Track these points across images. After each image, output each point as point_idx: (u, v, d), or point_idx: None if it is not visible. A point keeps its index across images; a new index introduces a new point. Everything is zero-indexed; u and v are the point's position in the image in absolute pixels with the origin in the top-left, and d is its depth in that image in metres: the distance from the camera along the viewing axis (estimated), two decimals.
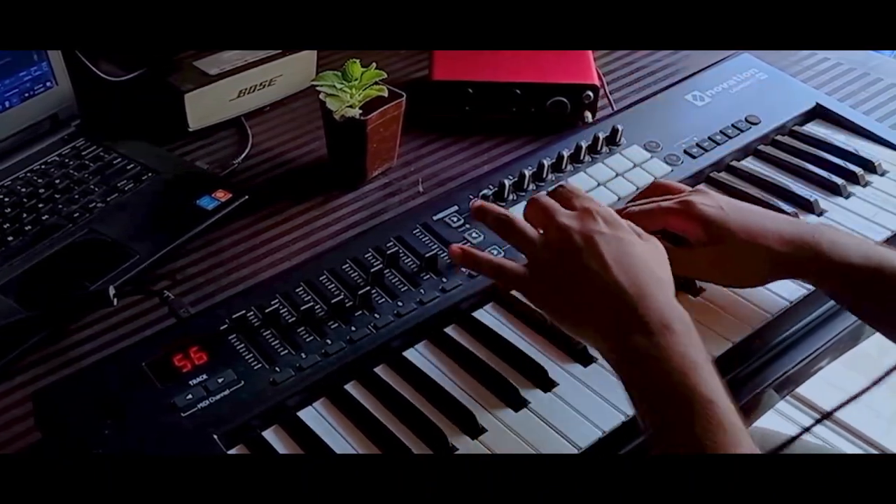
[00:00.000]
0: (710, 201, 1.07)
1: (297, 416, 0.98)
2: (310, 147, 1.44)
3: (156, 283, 1.20)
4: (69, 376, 1.02)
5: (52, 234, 1.23)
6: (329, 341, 1.02)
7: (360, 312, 1.05)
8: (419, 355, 1.04)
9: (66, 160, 1.35)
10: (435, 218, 1.18)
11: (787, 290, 1.10)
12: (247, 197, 1.30)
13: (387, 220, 1.27)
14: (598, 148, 1.29)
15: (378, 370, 1.02)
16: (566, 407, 0.98)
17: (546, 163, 1.24)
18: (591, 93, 1.42)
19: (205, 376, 0.98)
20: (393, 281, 1.09)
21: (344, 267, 1.11)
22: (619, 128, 1.30)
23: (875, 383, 0.95)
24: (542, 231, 1.00)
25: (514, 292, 1.07)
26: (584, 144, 1.27)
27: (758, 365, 1.07)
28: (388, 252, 1.11)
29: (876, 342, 1.11)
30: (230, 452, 0.95)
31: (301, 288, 1.08)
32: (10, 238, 1.22)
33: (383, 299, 1.07)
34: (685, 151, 1.29)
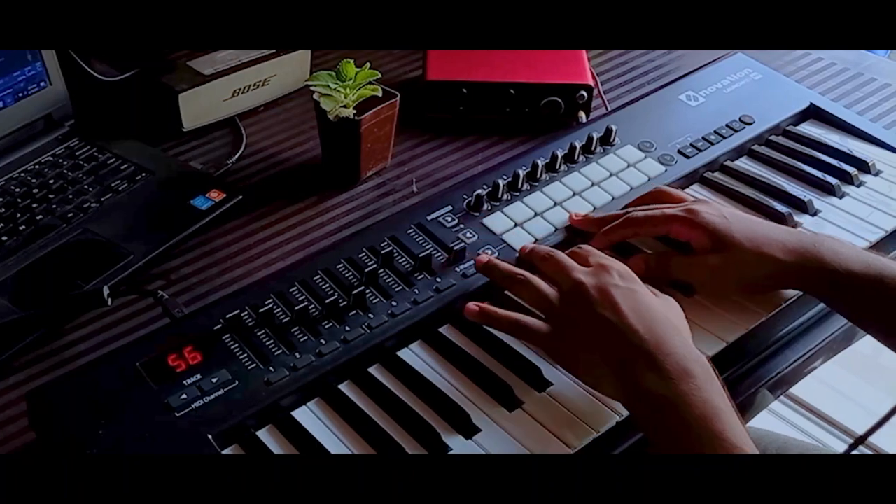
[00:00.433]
0: (713, 210, 1.08)
1: (291, 415, 0.98)
2: (304, 147, 1.43)
3: (150, 282, 1.20)
4: (63, 376, 1.02)
5: (47, 234, 1.23)
6: (323, 341, 1.02)
7: (354, 312, 1.05)
8: (413, 355, 1.04)
9: (60, 160, 1.35)
10: (429, 218, 1.18)
11: (781, 291, 1.10)
12: (241, 197, 1.30)
13: (381, 220, 1.27)
14: (593, 148, 1.29)
15: (372, 370, 1.02)
16: (560, 407, 0.98)
17: (540, 163, 1.24)
18: (585, 93, 1.42)
19: (199, 376, 0.98)
20: (387, 281, 1.09)
21: (338, 267, 1.11)
22: (613, 128, 1.31)
23: None
24: (556, 287, 1.01)
25: (511, 296, 1.07)
26: (578, 144, 1.28)
27: (751, 365, 1.07)
28: (383, 252, 1.11)
29: (870, 342, 1.12)
30: (224, 452, 0.95)
31: (295, 288, 1.08)
32: (4, 238, 1.21)
33: (377, 299, 1.07)
34: (679, 151, 1.29)
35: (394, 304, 1.06)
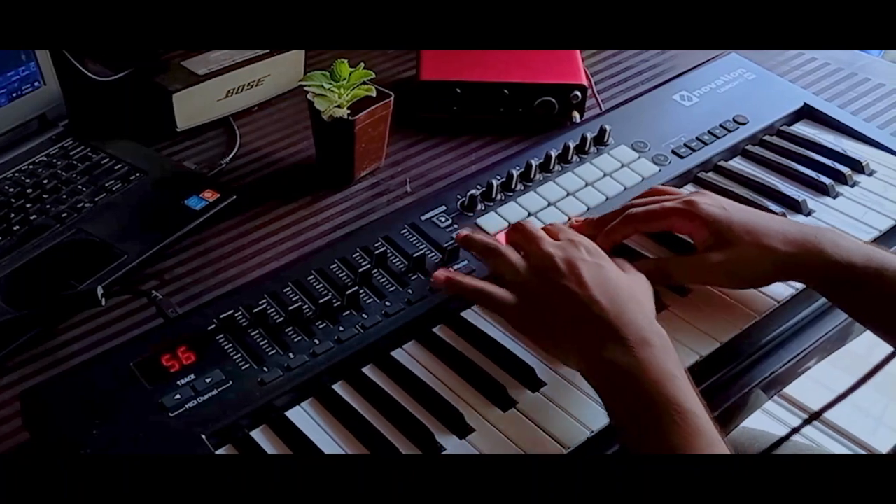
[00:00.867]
0: (712, 201, 1.08)
1: (285, 415, 0.98)
2: (298, 147, 1.43)
3: (144, 282, 1.20)
4: (57, 376, 1.01)
5: (41, 234, 1.23)
6: (317, 341, 1.02)
7: (347, 312, 1.05)
8: (407, 355, 1.04)
9: (55, 160, 1.35)
10: (423, 218, 1.18)
11: (775, 290, 1.10)
12: (235, 197, 1.30)
13: (375, 220, 1.27)
14: (586, 148, 1.29)
15: (366, 370, 1.02)
16: (554, 407, 0.98)
17: (534, 163, 1.24)
18: (578, 93, 1.42)
19: (193, 376, 0.98)
20: (381, 281, 1.09)
21: (332, 267, 1.11)
22: (607, 128, 1.31)
23: (862, 381, 0.96)
24: (525, 259, 1.02)
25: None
26: (571, 144, 1.28)
27: (745, 365, 1.07)
28: (376, 252, 1.11)
29: (863, 342, 1.12)
30: (218, 452, 0.95)
31: (289, 288, 1.08)
32: None
33: (371, 299, 1.07)
34: (673, 151, 1.29)
35: (387, 304, 1.06)
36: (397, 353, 1.04)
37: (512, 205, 1.20)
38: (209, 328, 1.03)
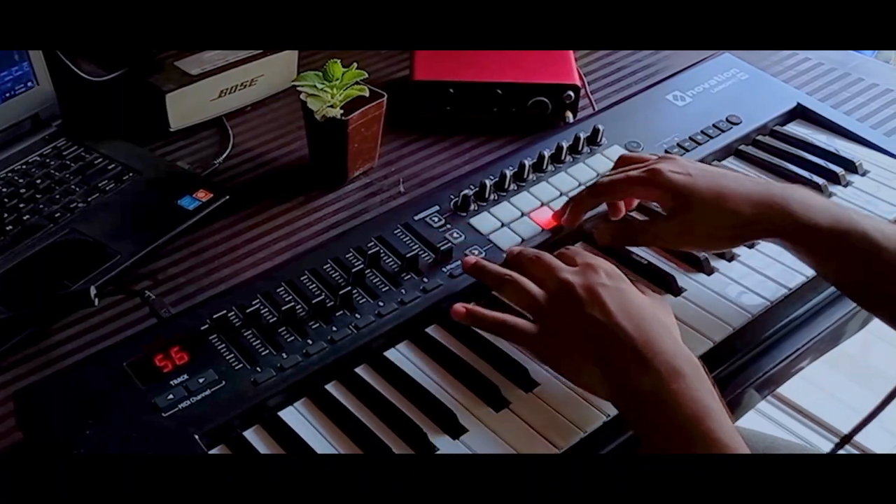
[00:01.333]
0: (677, 167, 1.08)
1: (278, 416, 0.98)
2: (291, 147, 1.43)
3: (137, 283, 1.20)
4: (50, 376, 1.01)
5: (34, 234, 1.22)
6: (310, 341, 1.02)
7: (341, 312, 1.05)
8: (400, 355, 1.04)
9: (48, 160, 1.34)
10: (416, 218, 1.18)
11: (769, 290, 1.11)
12: (228, 197, 1.30)
13: (368, 220, 1.27)
14: (579, 148, 1.29)
15: (359, 370, 1.02)
16: (547, 407, 0.98)
17: (527, 163, 1.24)
18: (572, 93, 1.42)
19: (186, 376, 0.98)
20: (374, 281, 1.09)
21: (325, 267, 1.11)
22: (600, 128, 1.31)
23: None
24: (544, 287, 1.01)
25: (499, 297, 1.07)
26: (565, 144, 1.28)
27: (739, 365, 1.07)
28: (370, 252, 1.11)
29: (856, 342, 1.12)
30: (211, 452, 0.95)
31: (282, 288, 1.08)
32: None
33: (364, 299, 1.07)
34: (666, 151, 1.29)
35: (381, 304, 1.06)
36: (390, 353, 1.04)
37: (505, 205, 1.20)
38: (202, 328, 1.03)
